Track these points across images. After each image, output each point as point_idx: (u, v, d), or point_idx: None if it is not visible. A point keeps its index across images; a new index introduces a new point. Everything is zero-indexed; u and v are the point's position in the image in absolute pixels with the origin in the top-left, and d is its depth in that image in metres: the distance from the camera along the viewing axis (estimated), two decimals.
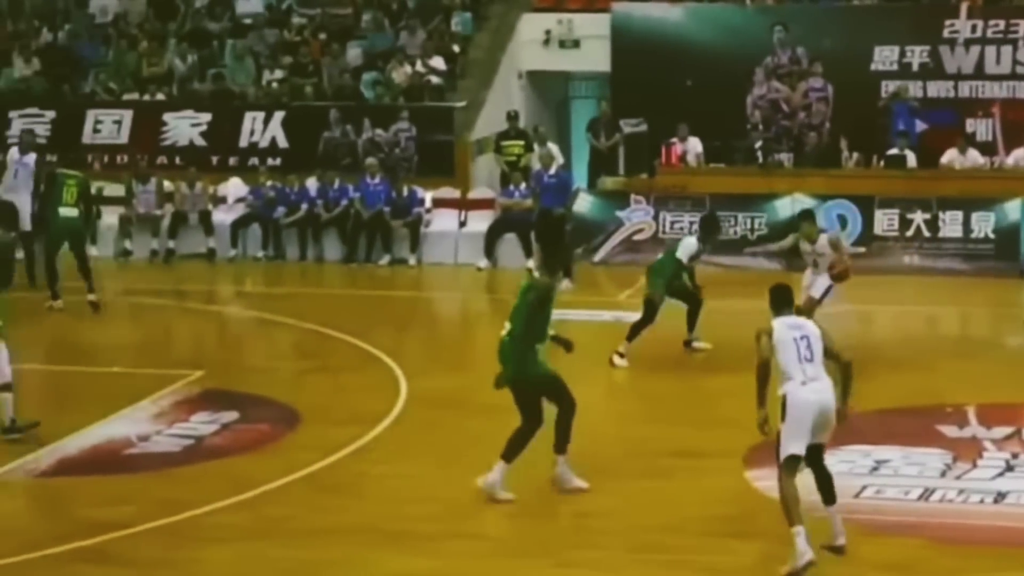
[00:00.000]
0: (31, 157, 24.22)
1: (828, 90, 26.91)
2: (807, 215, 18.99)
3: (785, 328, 11.87)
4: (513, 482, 13.28)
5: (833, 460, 14.12)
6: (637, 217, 25.31)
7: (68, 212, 21.61)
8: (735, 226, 24.68)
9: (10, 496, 13.70)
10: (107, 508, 13.15)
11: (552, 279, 13.40)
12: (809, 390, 11.65)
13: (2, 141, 27.56)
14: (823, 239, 18.13)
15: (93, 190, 26.48)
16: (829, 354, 11.94)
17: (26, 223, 22.97)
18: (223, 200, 26.80)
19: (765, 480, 13.55)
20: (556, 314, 18.82)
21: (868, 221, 24.64)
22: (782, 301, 12.10)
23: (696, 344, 18.69)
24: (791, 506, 11.43)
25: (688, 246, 18.59)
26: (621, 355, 18.05)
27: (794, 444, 11.56)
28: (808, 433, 11.62)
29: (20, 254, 22.22)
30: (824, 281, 18.06)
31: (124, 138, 28.03)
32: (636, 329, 18.15)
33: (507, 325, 13.32)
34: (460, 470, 14.19)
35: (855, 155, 26.10)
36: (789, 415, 11.62)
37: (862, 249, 24.33)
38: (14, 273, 20.40)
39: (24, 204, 23.10)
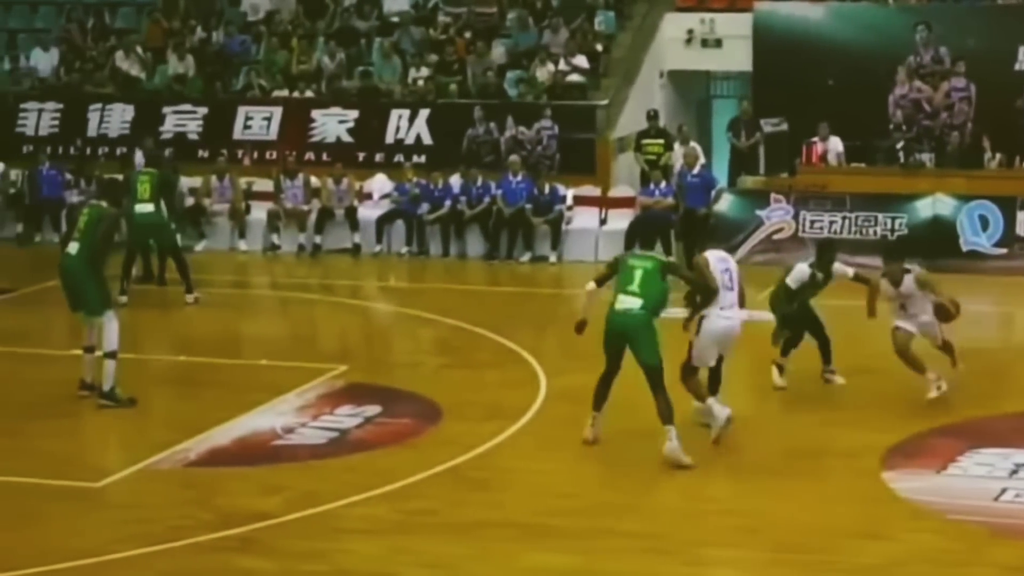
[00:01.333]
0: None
1: (971, 90, 26.51)
2: (893, 254, 16.73)
3: (716, 260, 14.63)
4: (656, 481, 13.31)
5: (971, 463, 14.05)
6: (777, 216, 25.13)
7: (143, 208, 21.43)
8: (875, 226, 24.45)
9: (161, 484, 13.91)
10: (254, 498, 13.35)
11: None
12: (724, 316, 14.39)
13: (156, 136, 27.99)
14: (908, 280, 15.95)
15: (243, 185, 27.06)
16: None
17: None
18: (368, 196, 26.99)
19: (903, 482, 13.47)
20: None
21: (1010, 222, 24.23)
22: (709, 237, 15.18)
23: (830, 377, 16.96)
24: (700, 390, 14.55)
25: (798, 273, 16.62)
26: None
27: (706, 358, 14.62)
28: (716, 351, 14.59)
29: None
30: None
31: (273, 134, 28.30)
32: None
33: (635, 300, 14.10)
34: (599, 466, 14.26)
35: (998, 155, 25.71)
36: (705, 335, 14.42)
37: (1004, 250, 24.07)
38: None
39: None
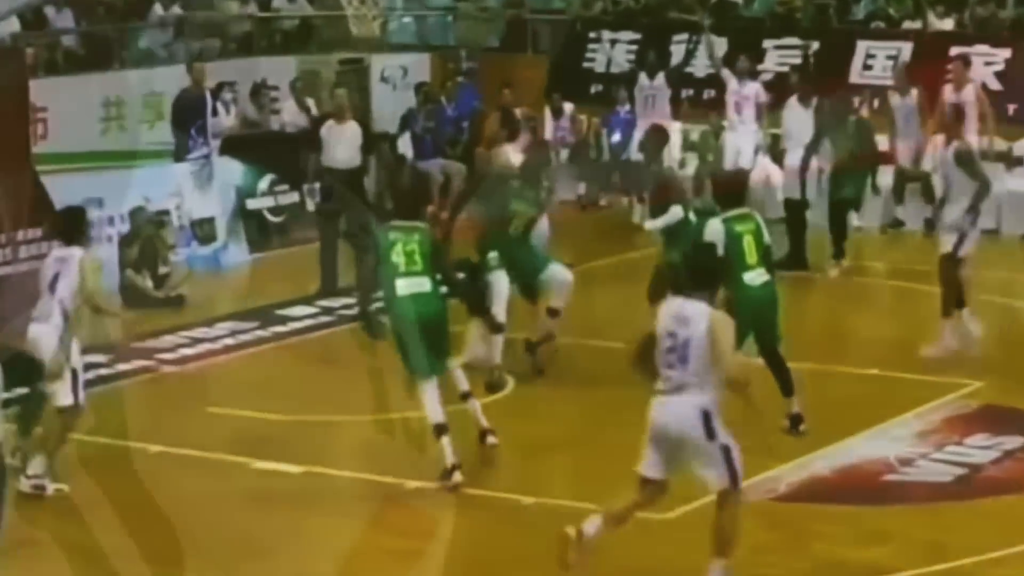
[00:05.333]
0: (752, 86, 24.74)
1: None
2: None
3: None
4: None
5: None
6: None
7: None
8: None
9: (746, 520, 14.14)
10: (858, 547, 13.61)
11: None
12: None
13: (755, 74, 28.42)
14: None
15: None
16: None
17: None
18: None
19: None
20: None
21: None
22: None
23: None
24: None
25: None
26: None
27: None
28: None
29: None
30: None
31: None
32: None
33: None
34: None
35: None
36: None
37: None
38: None
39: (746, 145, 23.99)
